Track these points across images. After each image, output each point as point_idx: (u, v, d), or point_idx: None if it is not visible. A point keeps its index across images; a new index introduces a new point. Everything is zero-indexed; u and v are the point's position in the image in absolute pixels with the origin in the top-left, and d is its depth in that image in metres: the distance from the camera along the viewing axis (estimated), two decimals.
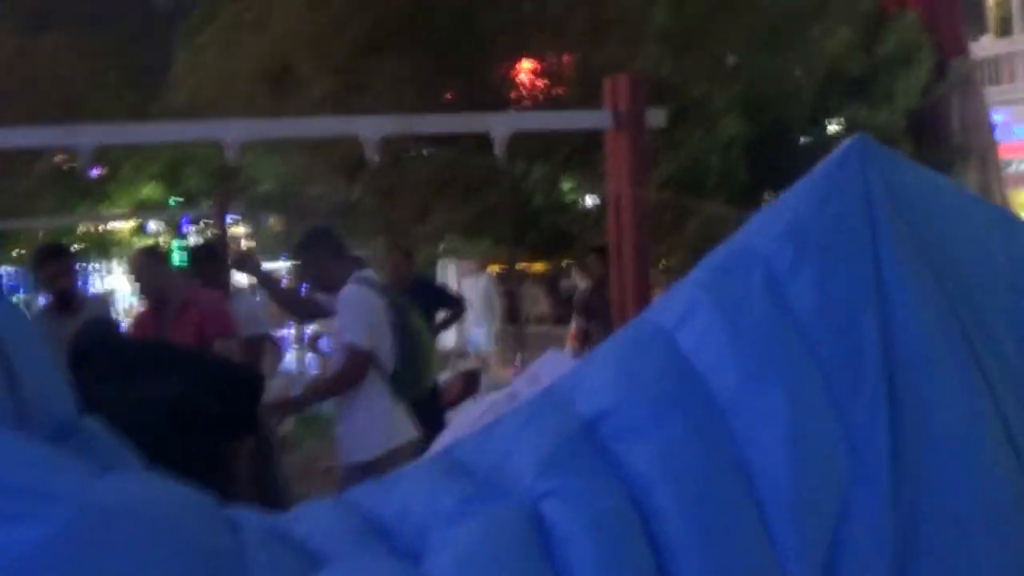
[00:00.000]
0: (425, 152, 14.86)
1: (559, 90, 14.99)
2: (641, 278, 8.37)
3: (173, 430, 6.03)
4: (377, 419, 7.06)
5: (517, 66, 15.47)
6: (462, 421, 4.32)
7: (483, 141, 13.13)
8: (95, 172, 23.96)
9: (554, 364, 4.54)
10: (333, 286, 7.19)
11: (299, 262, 7.51)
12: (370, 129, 7.95)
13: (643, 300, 8.30)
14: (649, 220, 8.66)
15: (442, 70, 14.44)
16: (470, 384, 12.41)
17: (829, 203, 2.75)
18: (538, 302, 30.90)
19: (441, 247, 18.63)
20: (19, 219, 20.58)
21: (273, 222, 23.82)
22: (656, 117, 8.68)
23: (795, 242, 2.71)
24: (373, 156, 7.84)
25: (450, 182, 14.73)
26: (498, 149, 8.22)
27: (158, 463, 5.74)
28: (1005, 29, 25.73)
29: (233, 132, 7.64)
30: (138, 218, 25.39)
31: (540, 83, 15.12)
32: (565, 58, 14.98)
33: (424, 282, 12.65)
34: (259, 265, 7.83)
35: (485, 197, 14.33)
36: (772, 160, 12.85)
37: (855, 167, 2.79)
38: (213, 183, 20.99)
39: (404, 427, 7.17)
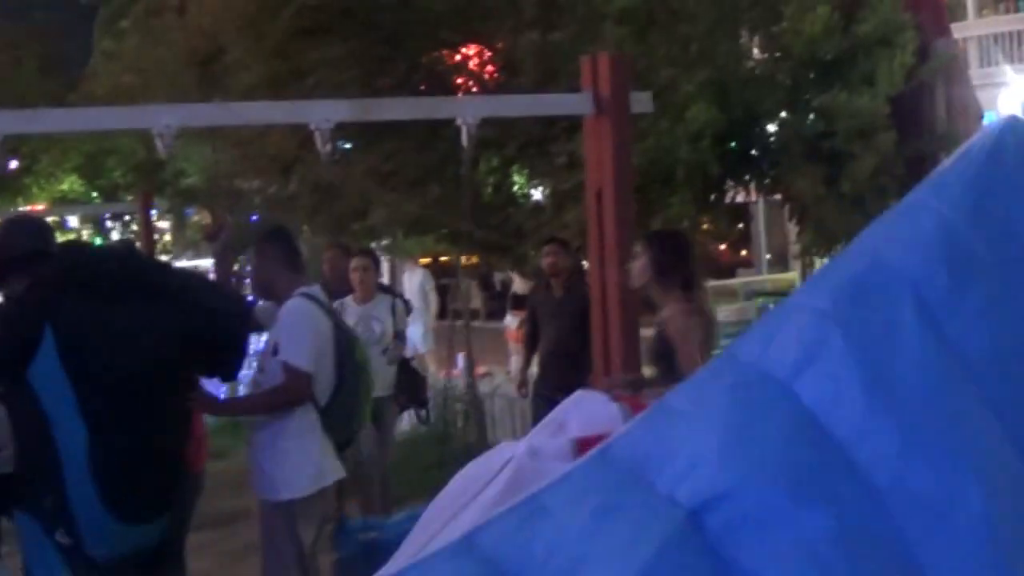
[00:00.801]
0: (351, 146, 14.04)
1: (502, 78, 14.13)
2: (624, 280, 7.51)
3: (165, 361, 5.51)
4: (307, 454, 6.44)
5: (463, 51, 14.63)
6: (469, 483, 3.51)
7: (430, 132, 12.60)
8: (12, 165, 22.95)
9: (583, 409, 3.74)
10: (277, 295, 6.55)
11: (250, 262, 6.75)
12: (321, 115, 7.00)
13: (626, 304, 7.52)
14: (632, 216, 7.84)
15: (384, 56, 13.58)
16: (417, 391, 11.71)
17: (986, 210, 2.11)
18: (471, 297, 30.30)
19: (381, 243, 17.78)
20: None
21: (199, 217, 22.90)
22: (641, 102, 7.87)
23: (951, 261, 2.05)
24: (326, 146, 6.93)
25: (393, 175, 13.87)
26: (466, 137, 7.39)
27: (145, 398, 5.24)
28: (958, 14, 25.28)
29: (165, 118, 6.64)
30: (57, 213, 24.24)
31: (489, 69, 14.25)
32: (510, 43, 14.07)
33: None
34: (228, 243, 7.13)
35: (431, 191, 13.54)
36: (743, 150, 12.15)
37: (1012, 160, 2.15)
38: (136, 176, 19.95)
39: (333, 466, 6.62)
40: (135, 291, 5.54)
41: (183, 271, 6.44)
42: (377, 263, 10.79)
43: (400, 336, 10.70)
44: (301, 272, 6.73)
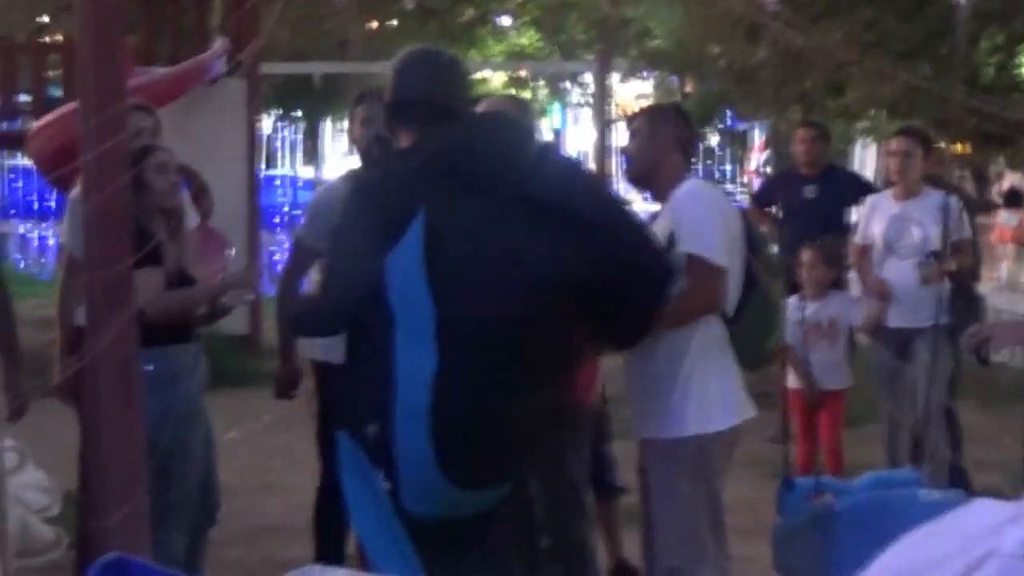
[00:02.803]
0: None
1: None
2: None
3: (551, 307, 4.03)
4: (720, 377, 4.94)
5: None
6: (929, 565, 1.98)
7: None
8: (502, 17, 22.21)
9: None
10: (660, 185, 5.09)
11: (630, 142, 5.21)
12: None
13: None
14: None
15: None
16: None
17: None
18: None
19: (859, 126, 16.13)
20: (372, 63, 17.87)
21: (683, 85, 21.51)
22: None
23: None
24: None
25: (874, 47, 12.20)
26: None
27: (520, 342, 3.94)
28: None
29: None
30: (511, 69, 23.26)
31: None
32: None
33: (835, 169, 10.32)
34: None
35: (919, 68, 11.82)
36: None
37: None
38: (597, 33, 18.78)
39: (747, 399, 5.04)
40: (534, 201, 3.98)
41: (604, 195, 4.71)
42: (928, 148, 8.13)
43: (951, 248, 7.63)
44: (690, 161, 5.31)
